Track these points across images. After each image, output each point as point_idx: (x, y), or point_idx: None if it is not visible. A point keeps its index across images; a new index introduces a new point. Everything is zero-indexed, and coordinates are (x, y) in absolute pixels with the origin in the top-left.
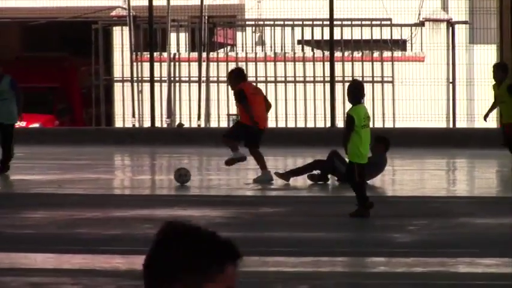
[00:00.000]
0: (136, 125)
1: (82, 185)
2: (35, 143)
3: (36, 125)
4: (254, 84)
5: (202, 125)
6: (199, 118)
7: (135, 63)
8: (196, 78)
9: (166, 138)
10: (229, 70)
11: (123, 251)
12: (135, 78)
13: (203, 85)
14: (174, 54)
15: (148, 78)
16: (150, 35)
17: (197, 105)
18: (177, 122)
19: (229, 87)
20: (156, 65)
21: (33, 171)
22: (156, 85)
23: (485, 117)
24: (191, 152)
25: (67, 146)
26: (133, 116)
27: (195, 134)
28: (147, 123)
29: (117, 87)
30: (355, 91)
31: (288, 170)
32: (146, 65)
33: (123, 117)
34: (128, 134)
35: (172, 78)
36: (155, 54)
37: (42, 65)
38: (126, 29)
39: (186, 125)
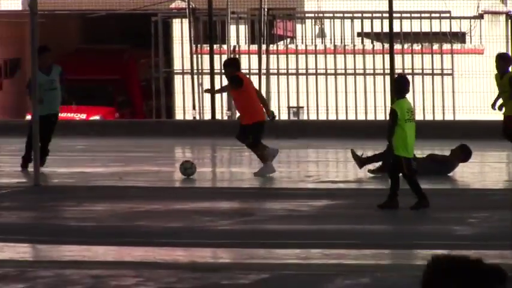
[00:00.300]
0: (197, 118)
1: (143, 178)
2: (96, 136)
3: (96, 117)
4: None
5: (266, 118)
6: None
7: (195, 56)
8: (256, 71)
9: (226, 130)
10: (225, 60)
11: (183, 244)
12: (195, 71)
13: (263, 77)
14: (234, 47)
15: (209, 71)
16: (209, 27)
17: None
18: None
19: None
20: (216, 57)
21: (94, 163)
22: (216, 77)
23: (493, 105)
24: None
25: (127, 138)
26: (194, 108)
27: None
28: (207, 116)
29: (177, 79)
30: (400, 85)
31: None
32: (206, 57)
33: (183, 109)
34: (189, 126)
35: None
36: (215, 46)
37: (102, 57)
38: (185, 21)
39: None
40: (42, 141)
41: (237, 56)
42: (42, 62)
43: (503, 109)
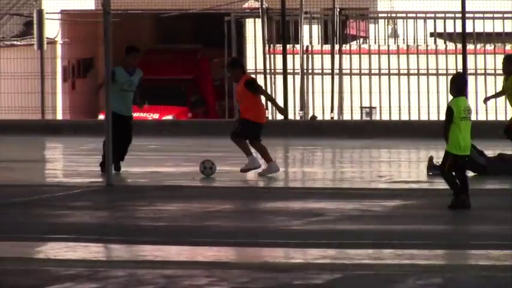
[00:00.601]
0: (270, 118)
1: (216, 177)
2: (169, 135)
3: (169, 117)
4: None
5: (335, 118)
6: (332, 110)
7: (267, 56)
8: (329, 71)
9: (299, 130)
10: (229, 60)
11: (256, 244)
12: (268, 71)
13: (336, 77)
14: (307, 47)
15: (281, 71)
16: (282, 27)
17: (330, 98)
18: (310, 114)
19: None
20: (289, 57)
21: (166, 163)
22: (289, 77)
23: (486, 100)
24: (324, 144)
25: (200, 138)
26: (266, 108)
27: (328, 127)
28: (280, 116)
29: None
30: (458, 84)
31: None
32: (279, 57)
33: None
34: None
35: (305, 71)
36: (288, 46)
37: (175, 57)
38: (258, 21)
39: (319, 117)
40: (122, 143)
41: (310, 56)
42: (128, 62)
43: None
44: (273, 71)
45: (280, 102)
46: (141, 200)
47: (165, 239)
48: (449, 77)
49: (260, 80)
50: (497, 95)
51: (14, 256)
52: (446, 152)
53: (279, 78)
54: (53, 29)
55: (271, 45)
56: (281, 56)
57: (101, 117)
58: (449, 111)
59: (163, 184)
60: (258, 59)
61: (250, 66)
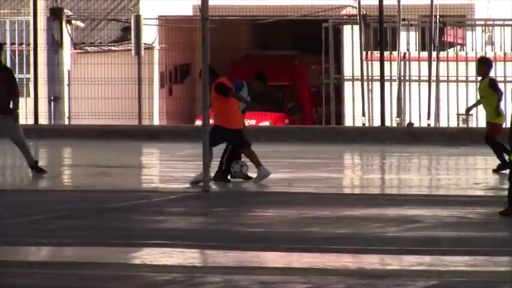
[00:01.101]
0: (366, 124)
1: (312, 184)
2: (265, 141)
3: (266, 123)
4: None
5: (432, 125)
6: (428, 117)
7: (365, 62)
8: (426, 78)
9: (395, 137)
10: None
11: (352, 250)
12: (365, 77)
13: (433, 84)
14: (404, 53)
15: (379, 77)
16: (380, 33)
17: (427, 105)
18: (407, 121)
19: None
20: (386, 63)
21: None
22: (386, 84)
23: (467, 110)
24: (420, 151)
25: (297, 144)
26: (363, 114)
27: (425, 133)
28: (376, 122)
29: (347, 85)
30: None
31: None
32: (376, 64)
33: (352, 116)
34: (358, 132)
35: (402, 77)
36: (385, 53)
37: (273, 63)
38: (356, 28)
39: (416, 124)
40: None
41: (408, 63)
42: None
43: (486, 116)
44: (370, 77)
45: (378, 109)
46: (238, 206)
47: (261, 245)
48: None
49: (357, 86)
50: (478, 103)
51: (111, 262)
52: (509, 160)
53: (376, 85)
54: (150, 34)
55: (369, 51)
56: (378, 62)
57: (198, 122)
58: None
59: (260, 190)
60: (355, 65)
61: (347, 73)
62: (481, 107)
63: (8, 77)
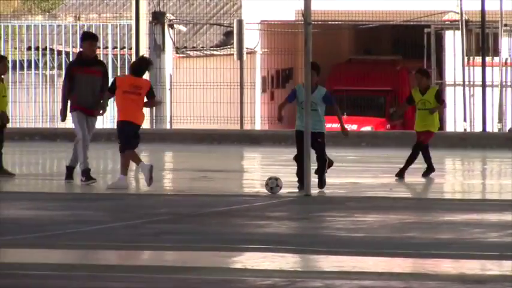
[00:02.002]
0: (468, 129)
1: (413, 189)
2: (367, 146)
3: (367, 128)
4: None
5: None
6: None
7: (466, 67)
8: None
9: (497, 142)
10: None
11: (453, 256)
12: (466, 83)
13: None
14: (506, 59)
15: (480, 83)
16: (482, 39)
17: None
18: (508, 126)
19: None
20: (488, 69)
21: (365, 174)
22: (488, 89)
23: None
24: None
25: (398, 149)
26: (465, 120)
27: None
28: (478, 128)
29: (449, 91)
30: None
31: None
32: (478, 69)
33: (454, 121)
34: (459, 138)
35: (503, 83)
36: (487, 58)
37: (375, 68)
38: (458, 33)
39: None
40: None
41: (509, 69)
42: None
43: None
44: (471, 83)
45: (479, 114)
46: (339, 210)
47: (362, 250)
48: None
49: (459, 91)
50: (404, 107)
51: (212, 266)
52: None
53: (478, 91)
54: (252, 39)
55: (470, 57)
56: (480, 68)
57: None
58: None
59: (361, 195)
60: (457, 71)
61: (449, 78)
62: None
63: (103, 70)
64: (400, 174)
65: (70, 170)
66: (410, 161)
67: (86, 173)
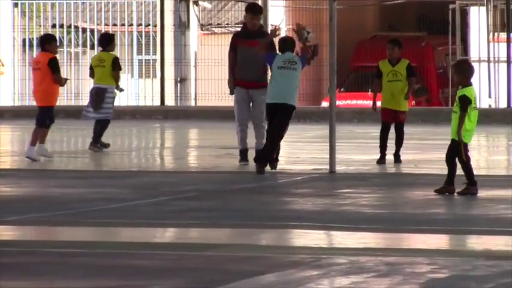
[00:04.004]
0: (493, 106)
1: (438, 165)
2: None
3: None
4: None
5: None
6: None
7: (491, 44)
8: None
9: None
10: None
11: (478, 232)
12: (491, 59)
13: None
14: None
15: (505, 59)
16: (507, 15)
17: None
18: None
19: None
20: None
21: (390, 150)
22: None
23: (375, 100)
24: None
25: (423, 126)
26: (490, 96)
27: None
28: (503, 104)
29: (474, 67)
30: (468, 72)
31: None
32: (503, 46)
33: (479, 97)
34: (484, 114)
35: None
36: None
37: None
38: (483, 9)
39: None
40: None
41: None
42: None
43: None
44: (496, 59)
45: (504, 91)
46: (363, 187)
47: (387, 226)
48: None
49: (484, 68)
50: (377, 88)
51: (238, 243)
52: (456, 142)
53: (503, 67)
54: (277, 15)
55: (495, 33)
56: (505, 44)
57: (324, 104)
58: (467, 100)
59: (385, 172)
60: (482, 47)
61: (474, 54)
62: None
63: (266, 42)
64: (397, 159)
65: (243, 152)
66: (400, 142)
67: (241, 154)
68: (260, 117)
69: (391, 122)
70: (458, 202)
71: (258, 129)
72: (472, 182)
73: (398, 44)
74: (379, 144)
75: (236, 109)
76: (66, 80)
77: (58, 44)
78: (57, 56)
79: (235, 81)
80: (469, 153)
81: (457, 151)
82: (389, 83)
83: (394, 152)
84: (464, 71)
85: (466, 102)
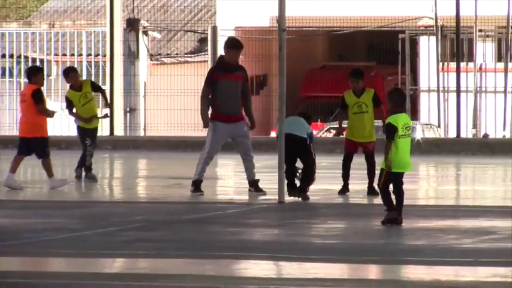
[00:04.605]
0: (442, 135)
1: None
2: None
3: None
4: None
5: (508, 136)
6: (504, 128)
7: (441, 73)
8: (502, 89)
9: (471, 148)
10: None
11: (427, 262)
12: (441, 88)
13: (509, 95)
14: (481, 64)
15: (455, 89)
16: (456, 44)
17: (503, 116)
18: (483, 132)
19: None
20: (463, 75)
21: (339, 180)
22: (462, 95)
23: (339, 132)
24: (496, 162)
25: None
26: (439, 126)
27: (500, 145)
28: (452, 134)
29: (423, 97)
30: (397, 99)
31: None
32: (452, 75)
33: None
34: (434, 144)
35: (478, 89)
36: (461, 64)
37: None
38: (432, 39)
39: (491, 135)
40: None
41: (484, 74)
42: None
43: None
44: (446, 89)
45: (453, 120)
46: (312, 217)
47: (336, 257)
48: None
49: (433, 97)
50: (342, 118)
51: (186, 273)
52: (381, 169)
53: (452, 96)
54: None
55: (445, 62)
56: (455, 73)
57: (273, 134)
58: (392, 128)
59: (335, 202)
60: (432, 76)
61: (423, 84)
62: None
63: (244, 75)
64: (371, 191)
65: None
66: (372, 173)
67: (195, 185)
68: (248, 149)
69: (354, 152)
70: (407, 232)
71: (250, 161)
72: (388, 209)
73: (361, 75)
74: (341, 174)
75: (211, 141)
76: (53, 112)
77: (3, 73)
78: (12, 85)
79: (216, 116)
80: (403, 186)
81: (380, 177)
82: (354, 115)
83: (367, 184)
84: (393, 99)
85: (391, 131)
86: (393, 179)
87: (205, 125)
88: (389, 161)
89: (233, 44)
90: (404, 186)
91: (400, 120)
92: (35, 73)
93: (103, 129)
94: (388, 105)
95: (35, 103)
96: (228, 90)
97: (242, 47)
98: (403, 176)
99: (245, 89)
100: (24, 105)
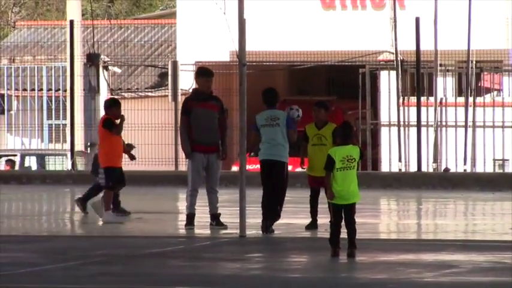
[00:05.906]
0: (403, 170)
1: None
2: (302, 187)
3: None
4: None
5: (468, 170)
6: (465, 163)
7: (401, 108)
8: (463, 123)
9: (432, 182)
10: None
11: None
12: (401, 123)
13: (469, 130)
14: (441, 99)
15: (415, 123)
16: (417, 79)
17: (463, 150)
18: (443, 166)
19: None
20: (423, 109)
21: (300, 215)
22: (423, 129)
23: (302, 164)
24: (457, 196)
25: None
26: (400, 160)
27: (461, 179)
28: (413, 168)
29: (384, 131)
30: (346, 132)
31: None
32: (413, 110)
33: (389, 161)
34: (394, 178)
35: (438, 123)
36: (422, 98)
37: (309, 108)
38: (393, 73)
39: (452, 169)
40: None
41: (444, 108)
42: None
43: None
44: (406, 123)
45: (414, 154)
46: (273, 251)
47: None
48: None
49: (394, 132)
50: (305, 152)
51: None
52: (327, 202)
53: (413, 131)
54: (187, 80)
55: (405, 97)
56: (415, 108)
57: (234, 168)
58: (329, 160)
59: (296, 236)
60: (392, 111)
61: (384, 118)
62: None
63: (219, 105)
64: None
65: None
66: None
67: (187, 219)
68: (216, 182)
69: (319, 187)
70: (369, 266)
71: (214, 194)
72: (330, 242)
73: (325, 106)
74: (310, 210)
75: (191, 174)
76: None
77: None
78: None
79: (193, 147)
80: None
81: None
82: (313, 146)
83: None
84: (339, 131)
85: (327, 163)
86: (339, 211)
87: (187, 156)
88: (331, 192)
89: (202, 72)
90: (365, 220)
91: (340, 152)
92: (110, 106)
93: (63, 164)
94: (336, 136)
95: (109, 130)
96: (202, 118)
97: (212, 74)
98: (353, 207)
99: (221, 119)
100: (99, 137)
